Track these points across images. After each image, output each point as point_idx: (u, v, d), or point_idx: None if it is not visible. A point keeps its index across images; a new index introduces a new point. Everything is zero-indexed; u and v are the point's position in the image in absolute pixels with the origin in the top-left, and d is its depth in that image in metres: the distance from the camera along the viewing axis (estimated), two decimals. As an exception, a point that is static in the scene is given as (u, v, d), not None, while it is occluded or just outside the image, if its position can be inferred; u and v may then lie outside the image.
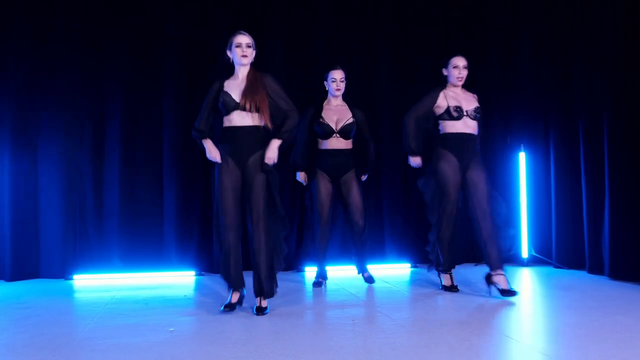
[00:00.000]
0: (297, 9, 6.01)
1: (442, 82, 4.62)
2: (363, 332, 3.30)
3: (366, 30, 6.16)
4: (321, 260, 5.00)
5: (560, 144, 5.82)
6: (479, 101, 4.61)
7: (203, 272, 5.60)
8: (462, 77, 4.52)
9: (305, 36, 6.03)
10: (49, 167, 5.46)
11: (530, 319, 3.74)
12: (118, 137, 5.56)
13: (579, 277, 5.28)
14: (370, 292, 4.70)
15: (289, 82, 5.51)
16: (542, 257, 6.05)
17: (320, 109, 4.90)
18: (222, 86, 3.92)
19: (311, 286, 4.96)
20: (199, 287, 5.02)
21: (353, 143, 4.92)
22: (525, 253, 6.11)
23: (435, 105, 4.52)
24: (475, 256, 6.23)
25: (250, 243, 3.83)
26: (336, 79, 4.83)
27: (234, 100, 3.83)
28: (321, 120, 4.84)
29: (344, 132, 4.82)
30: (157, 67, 5.70)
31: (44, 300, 4.44)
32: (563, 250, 5.85)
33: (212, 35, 5.77)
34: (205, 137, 3.95)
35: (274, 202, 3.86)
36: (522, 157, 6.11)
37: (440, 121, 4.52)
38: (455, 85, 4.55)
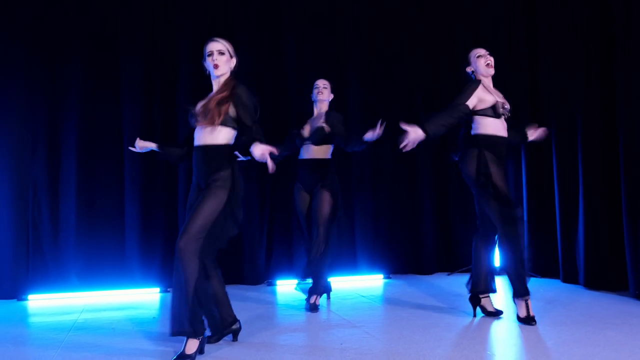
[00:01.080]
0: (266, 18, 5.83)
1: (468, 81, 4.11)
2: (355, 358, 3.10)
3: (335, 40, 6.04)
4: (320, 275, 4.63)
5: (532, 152, 5.78)
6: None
7: (169, 289, 5.29)
8: (491, 63, 4.07)
9: (276, 44, 5.86)
10: (-2, 177, 5.06)
11: (523, 337, 3.59)
12: (75, 145, 5.21)
13: (555, 286, 5.25)
14: (349, 308, 4.50)
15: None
16: (514, 265, 5.98)
17: (304, 123, 4.75)
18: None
19: (286, 302, 4.78)
20: (165, 305, 4.71)
21: (333, 154, 4.64)
22: (497, 261, 6.02)
23: (477, 98, 3.96)
24: (448, 265, 6.16)
25: (175, 264, 3.21)
26: (319, 86, 4.71)
27: (193, 112, 3.38)
28: (299, 131, 4.68)
29: (313, 139, 4.59)
30: (115, 70, 5.39)
31: (-2, 326, 4.08)
32: (536, 259, 5.81)
33: (174, 42, 5.50)
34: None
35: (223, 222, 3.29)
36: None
37: (478, 117, 3.96)
38: (485, 77, 4.09)
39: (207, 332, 3.37)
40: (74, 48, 5.26)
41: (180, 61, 5.43)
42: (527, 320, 3.84)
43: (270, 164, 3.09)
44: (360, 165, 5.93)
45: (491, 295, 4.19)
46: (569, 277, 5.34)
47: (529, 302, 3.88)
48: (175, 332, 3.13)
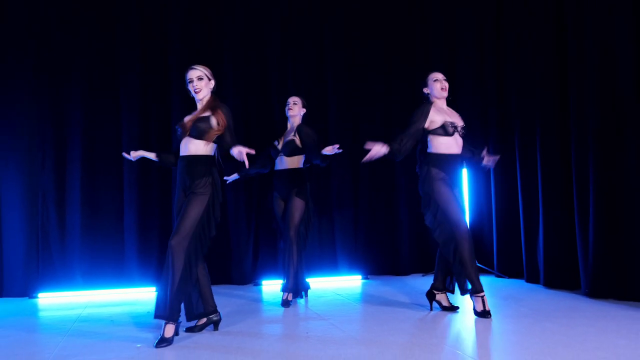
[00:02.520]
0: (250, 36, 6.34)
1: (425, 102, 4.50)
2: (316, 344, 3.60)
3: (315, 54, 6.52)
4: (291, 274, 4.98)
5: (499, 166, 6.09)
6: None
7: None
8: (445, 88, 4.44)
9: (257, 68, 6.36)
10: (11, 189, 5.60)
11: (468, 329, 4.06)
12: (79, 158, 5.76)
13: (518, 286, 5.67)
14: (323, 305, 4.98)
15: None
16: (484, 267, 6.43)
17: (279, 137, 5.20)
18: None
19: (268, 300, 5.24)
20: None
21: (304, 163, 5.05)
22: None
23: (429, 119, 4.38)
24: (423, 266, 6.63)
25: (167, 258, 3.69)
26: (289, 103, 5.14)
27: (179, 126, 3.92)
28: (274, 144, 5.13)
29: (285, 150, 5.02)
30: (114, 90, 5.93)
31: (12, 319, 4.62)
32: (504, 260, 6.26)
33: (166, 65, 6.05)
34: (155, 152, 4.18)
35: (205, 224, 3.79)
36: (464, 171, 6.48)
37: (431, 136, 4.38)
38: (439, 99, 4.47)
39: (182, 319, 3.83)
40: (76, 71, 5.83)
41: (173, 79, 5.94)
42: (483, 314, 4.26)
43: (247, 161, 3.65)
44: (341, 172, 6.37)
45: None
46: (532, 278, 5.76)
47: (485, 297, 4.31)
48: (157, 316, 3.68)
